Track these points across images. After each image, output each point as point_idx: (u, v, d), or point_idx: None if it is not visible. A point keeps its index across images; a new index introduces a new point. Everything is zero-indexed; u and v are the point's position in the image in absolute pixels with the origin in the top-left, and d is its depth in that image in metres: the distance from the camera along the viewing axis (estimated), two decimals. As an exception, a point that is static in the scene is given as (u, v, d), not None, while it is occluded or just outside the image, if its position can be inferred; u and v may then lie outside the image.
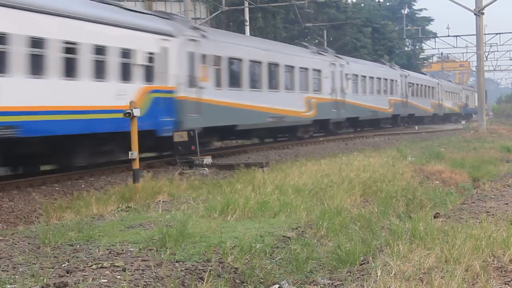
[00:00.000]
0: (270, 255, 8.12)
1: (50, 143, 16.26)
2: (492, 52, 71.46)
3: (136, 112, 14.06)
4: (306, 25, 52.11)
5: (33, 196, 14.14)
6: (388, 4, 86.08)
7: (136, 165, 14.08)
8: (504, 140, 31.26)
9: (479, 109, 39.85)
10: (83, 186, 15.78)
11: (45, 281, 6.47)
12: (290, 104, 28.62)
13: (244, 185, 13.37)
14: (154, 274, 6.88)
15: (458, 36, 63.14)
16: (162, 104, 19.66)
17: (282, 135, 31.22)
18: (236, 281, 7.23)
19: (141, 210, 11.28)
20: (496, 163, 20.48)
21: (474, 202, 11.83)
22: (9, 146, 15.17)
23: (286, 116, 28.04)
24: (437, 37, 71.57)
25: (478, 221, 8.97)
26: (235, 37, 28.44)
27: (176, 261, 7.40)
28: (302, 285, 7.12)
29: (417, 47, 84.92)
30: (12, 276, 6.77)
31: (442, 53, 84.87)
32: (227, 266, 7.44)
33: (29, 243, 8.54)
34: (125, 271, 6.92)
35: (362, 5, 70.09)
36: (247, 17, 41.35)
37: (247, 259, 7.69)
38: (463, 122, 64.01)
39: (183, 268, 7.19)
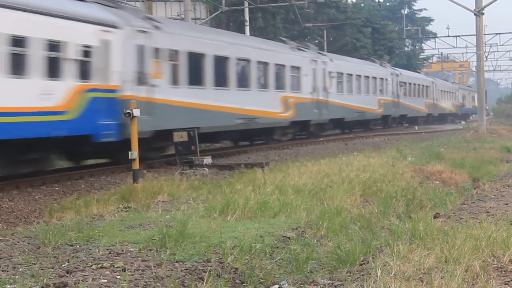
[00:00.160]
0: (270, 255, 8.12)
1: None
2: (492, 52, 71.61)
3: (136, 112, 14.04)
4: (306, 25, 52.09)
5: (33, 196, 14.14)
6: (388, 4, 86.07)
7: (136, 165, 14.08)
8: (504, 140, 31.28)
9: (479, 109, 39.86)
10: (83, 186, 15.78)
11: (45, 281, 6.48)
12: (264, 104, 26.15)
13: (244, 185, 13.38)
14: (154, 274, 6.88)
15: (458, 36, 63.26)
16: (102, 105, 17.05)
17: (258, 138, 28.69)
18: (236, 281, 7.24)
19: (141, 210, 11.28)
20: (496, 163, 20.50)
21: (474, 202, 11.84)
22: None
23: (258, 117, 25.44)
24: (437, 37, 71.71)
25: (478, 221, 8.98)
26: (197, 30, 26.02)
27: (176, 261, 7.40)
28: (302, 285, 7.12)
29: (417, 47, 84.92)
30: (12, 276, 6.77)
31: (442, 53, 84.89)
32: (227, 266, 7.44)
33: (29, 243, 8.54)
34: (125, 271, 6.92)
35: (362, 5, 70.10)
36: (247, 17, 41.33)
37: (247, 259, 7.69)
38: (463, 122, 63.98)
39: (183, 268, 7.19)
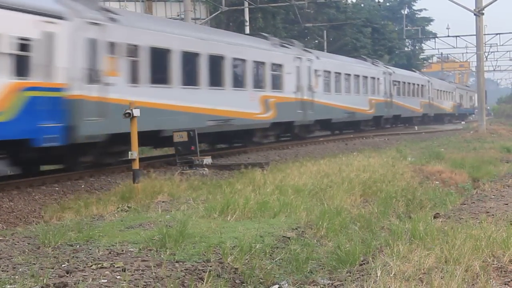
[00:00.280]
0: (270, 255, 8.12)
1: None
2: (492, 52, 71.67)
3: (136, 112, 14.04)
4: (306, 26, 52.12)
5: (33, 196, 14.14)
6: (388, 4, 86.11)
7: (136, 165, 14.08)
8: (504, 140, 31.29)
9: (479, 109, 39.91)
10: (83, 186, 15.77)
11: (45, 281, 6.48)
12: (240, 104, 24.17)
13: (244, 185, 13.39)
14: (154, 274, 6.89)
15: (458, 36, 63.29)
16: (43, 105, 15.12)
17: (237, 140, 26.97)
18: (236, 281, 7.24)
19: (141, 210, 11.29)
20: (496, 163, 20.50)
21: (474, 202, 11.85)
22: None
23: (233, 118, 23.43)
24: (437, 37, 71.73)
25: (478, 221, 8.99)
26: (162, 23, 23.41)
27: (176, 261, 7.40)
28: (302, 285, 7.12)
29: (417, 47, 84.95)
30: (12, 276, 6.77)
31: (442, 54, 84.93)
32: (227, 266, 7.45)
33: (29, 243, 8.54)
34: (125, 271, 6.92)
35: (362, 5, 70.14)
36: (247, 17, 41.35)
37: (247, 259, 7.69)
38: (462, 122, 63.93)
39: (183, 268, 7.19)
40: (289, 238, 9.00)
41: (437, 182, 16.78)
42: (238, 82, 24.46)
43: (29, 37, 14.84)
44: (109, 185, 15.78)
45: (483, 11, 37.26)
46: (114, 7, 28.40)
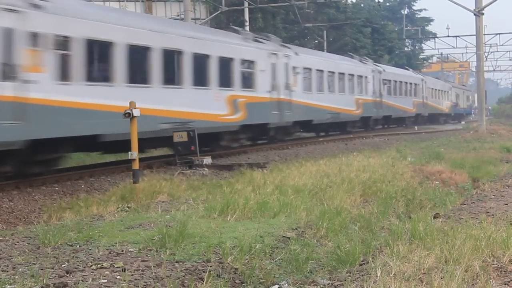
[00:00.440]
0: (270, 255, 8.12)
1: None
2: (492, 52, 71.68)
3: (136, 113, 14.04)
4: (305, 26, 52.10)
5: (33, 196, 14.15)
6: (388, 4, 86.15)
7: (136, 166, 14.07)
8: (504, 140, 31.29)
9: (479, 109, 39.92)
10: (83, 186, 15.78)
11: (45, 281, 6.48)
12: (202, 105, 21.59)
13: (244, 186, 13.40)
14: (154, 274, 6.89)
15: (458, 36, 63.34)
16: None
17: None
18: (236, 281, 7.24)
19: (141, 211, 11.29)
20: (495, 163, 20.49)
21: (474, 202, 11.85)
22: None
23: (193, 121, 20.75)
24: (437, 37, 71.77)
25: (477, 221, 8.99)
26: (102, 12, 20.29)
27: (176, 262, 7.41)
28: (301, 286, 7.12)
29: (417, 47, 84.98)
30: (12, 277, 6.78)
31: (442, 54, 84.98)
32: (226, 267, 7.45)
33: (29, 244, 8.54)
34: (125, 271, 6.92)
35: (362, 5, 70.17)
36: (247, 17, 41.34)
37: (247, 259, 7.69)
38: (462, 122, 63.90)
39: (182, 269, 7.19)
40: (289, 238, 9.00)
41: (437, 182, 16.78)
42: (200, 80, 21.65)
43: None
44: (109, 185, 15.78)
45: (483, 11, 37.27)
46: (114, 7, 27.98)
